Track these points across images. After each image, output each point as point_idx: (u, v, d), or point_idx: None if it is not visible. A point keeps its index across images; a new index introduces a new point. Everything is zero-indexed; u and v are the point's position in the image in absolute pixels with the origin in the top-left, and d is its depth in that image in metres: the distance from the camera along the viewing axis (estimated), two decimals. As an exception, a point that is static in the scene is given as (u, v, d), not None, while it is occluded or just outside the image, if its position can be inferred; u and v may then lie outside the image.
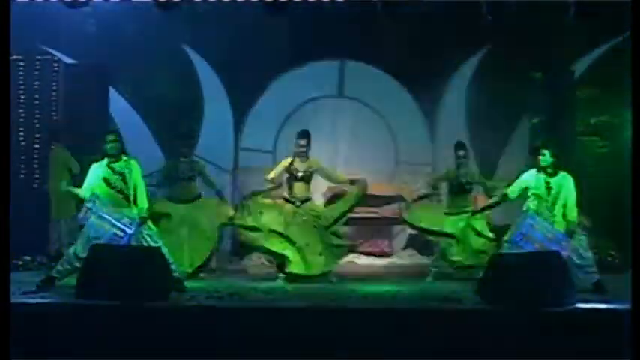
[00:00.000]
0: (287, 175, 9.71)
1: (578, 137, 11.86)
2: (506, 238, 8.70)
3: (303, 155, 9.71)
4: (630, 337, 6.58)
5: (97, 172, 8.42)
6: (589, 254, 8.60)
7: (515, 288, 7.54)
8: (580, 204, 8.68)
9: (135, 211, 8.38)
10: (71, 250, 8.40)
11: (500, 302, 7.62)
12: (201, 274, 9.79)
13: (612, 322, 7.40)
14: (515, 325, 7.34)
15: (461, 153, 10.02)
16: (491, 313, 7.62)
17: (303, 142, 9.70)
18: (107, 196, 8.37)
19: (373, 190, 11.86)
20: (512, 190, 8.76)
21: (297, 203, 9.65)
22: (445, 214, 10.08)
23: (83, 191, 8.43)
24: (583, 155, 11.68)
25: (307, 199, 9.75)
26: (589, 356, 6.98)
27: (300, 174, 9.66)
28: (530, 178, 8.66)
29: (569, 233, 8.46)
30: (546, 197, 8.50)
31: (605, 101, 12.02)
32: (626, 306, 7.51)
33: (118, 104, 12.35)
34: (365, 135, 12.80)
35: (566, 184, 8.57)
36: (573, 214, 8.51)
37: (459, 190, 10.02)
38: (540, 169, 8.60)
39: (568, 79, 11.79)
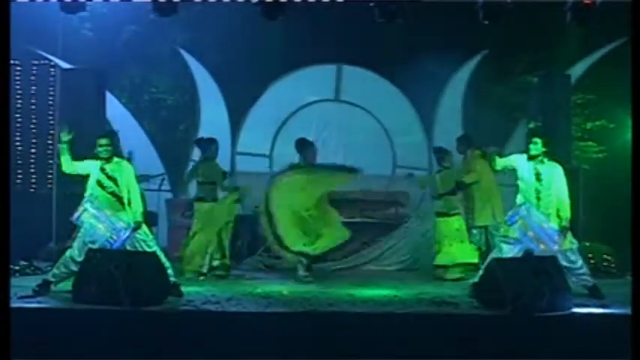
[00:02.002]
0: None
1: (575, 142, 11.87)
2: (501, 234, 8.70)
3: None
4: (630, 341, 6.57)
5: (90, 165, 8.42)
6: (580, 259, 8.50)
7: (511, 293, 7.54)
8: (576, 209, 8.68)
9: (130, 214, 8.38)
10: (67, 254, 8.38)
11: (496, 307, 7.62)
12: (201, 277, 9.84)
13: (609, 327, 7.42)
14: (511, 330, 7.36)
15: (441, 156, 10.47)
16: (487, 318, 7.64)
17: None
18: (102, 198, 8.36)
19: (371, 195, 11.99)
20: (499, 162, 8.67)
21: None
22: (437, 213, 10.43)
23: (70, 167, 8.41)
24: (579, 160, 11.71)
25: None
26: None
27: None
28: (519, 161, 8.55)
29: (563, 231, 8.36)
30: (536, 185, 8.37)
31: (601, 106, 12.06)
32: (623, 311, 7.55)
33: (115, 109, 12.35)
34: (362, 139, 12.80)
35: (556, 173, 8.46)
36: (567, 210, 8.42)
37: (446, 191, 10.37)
38: (530, 158, 8.50)
39: (564, 83, 11.80)
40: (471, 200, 10.50)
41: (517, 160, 8.58)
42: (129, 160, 9.83)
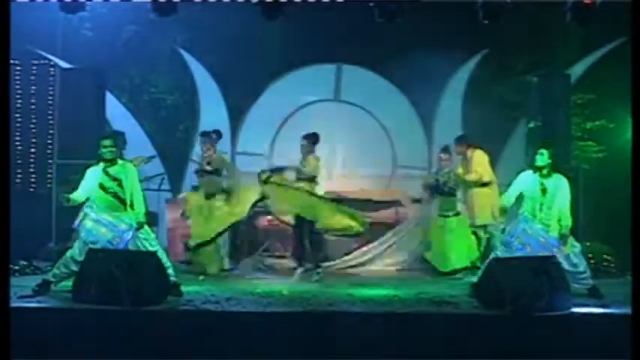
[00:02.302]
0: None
1: (575, 141, 11.87)
2: (500, 240, 8.70)
3: (304, 155, 10.10)
4: (630, 341, 6.56)
5: (92, 176, 8.42)
6: (582, 262, 8.53)
7: (511, 293, 7.54)
8: (576, 209, 8.68)
9: (132, 215, 8.39)
10: (68, 254, 8.38)
11: (496, 307, 7.62)
12: (201, 277, 9.84)
13: (608, 327, 7.42)
14: (511, 330, 7.36)
15: (444, 157, 10.55)
16: (487, 318, 7.63)
17: (303, 142, 10.12)
18: (103, 200, 8.36)
19: (370, 194, 11.99)
20: (508, 198, 8.70)
21: None
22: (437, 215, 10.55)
23: (79, 196, 8.43)
24: (579, 160, 11.70)
25: None
26: (584, 360, 7.01)
27: (302, 175, 10.06)
28: (525, 180, 8.60)
29: (563, 238, 8.40)
30: (541, 199, 8.43)
31: (601, 106, 12.05)
32: (623, 311, 7.55)
33: (115, 108, 12.34)
34: (362, 139, 12.80)
35: (562, 186, 8.49)
36: (568, 218, 8.46)
37: (439, 192, 10.52)
38: (536, 169, 8.54)
39: (564, 83, 11.79)
40: (471, 200, 10.54)
41: (522, 181, 8.61)
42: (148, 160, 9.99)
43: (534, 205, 8.44)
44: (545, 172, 8.50)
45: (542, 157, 8.50)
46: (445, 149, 10.63)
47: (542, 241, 8.35)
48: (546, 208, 8.42)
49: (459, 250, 10.30)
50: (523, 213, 8.49)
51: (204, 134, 10.60)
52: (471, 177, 10.43)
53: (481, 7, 9.92)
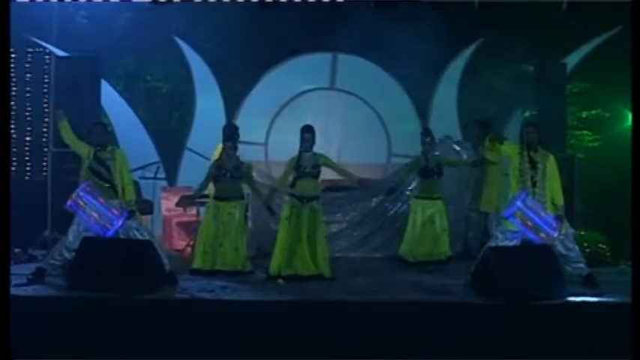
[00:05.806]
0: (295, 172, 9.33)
1: (570, 130, 11.88)
2: (500, 229, 8.69)
3: (309, 150, 9.38)
4: (631, 332, 6.57)
5: (84, 148, 8.47)
6: (576, 247, 8.51)
7: (506, 281, 7.57)
8: (570, 198, 8.68)
9: (123, 202, 8.40)
10: (62, 241, 8.39)
11: (491, 295, 7.65)
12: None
13: (603, 315, 7.45)
14: (506, 318, 7.38)
15: (427, 140, 10.29)
16: (482, 306, 7.65)
17: (307, 135, 9.34)
18: (96, 186, 8.37)
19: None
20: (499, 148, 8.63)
21: (304, 201, 9.26)
22: (415, 197, 10.34)
23: (66, 132, 8.52)
24: (574, 149, 11.71)
25: (315, 197, 9.34)
26: (579, 349, 7.02)
27: (307, 170, 9.33)
28: (513, 150, 8.53)
29: (559, 218, 8.35)
30: (531, 173, 8.38)
31: (596, 95, 12.06)
32: (617, 299, 7.58)
33: (110, 97, 12.31)
34: (357, 128, 12.80)
35: (549, 161, 8.46)
36: (560, 198, 8.42)
37: (427, 175, 10.19)
38: (524, 145, 8.50)
39: (560, 72, 11.78)
40: (479, 186, 10.50)
41: (511, 149, 8.57)
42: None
43: (525, 180, 8.38)
44: (532, 147, 8.47)
45: (531, 134, 8.48)
46: (426, 132, 10.42)
47: (542, 215, 8.28)
48: (539, 184, 8.37)
49: (440, 238, 10.13)
50: (514, 188, 8.45)
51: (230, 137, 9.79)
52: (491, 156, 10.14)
53: (477, -4, 9.93)
